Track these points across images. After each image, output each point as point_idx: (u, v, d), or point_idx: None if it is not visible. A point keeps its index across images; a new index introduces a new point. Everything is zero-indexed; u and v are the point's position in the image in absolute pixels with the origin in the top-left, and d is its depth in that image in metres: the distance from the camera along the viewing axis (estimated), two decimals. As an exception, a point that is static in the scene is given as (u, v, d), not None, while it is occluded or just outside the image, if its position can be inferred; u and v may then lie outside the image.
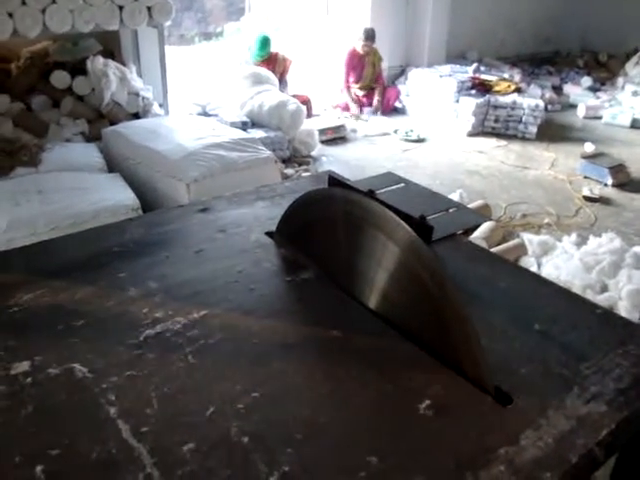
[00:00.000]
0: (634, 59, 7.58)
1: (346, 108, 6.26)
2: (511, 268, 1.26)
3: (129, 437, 0.76)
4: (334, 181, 1.39)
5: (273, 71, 5.62)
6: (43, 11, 3.76)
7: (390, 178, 1.53)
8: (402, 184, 1.47)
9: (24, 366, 0.88)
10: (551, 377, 0.89)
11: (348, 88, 6.27)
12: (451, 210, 1.40)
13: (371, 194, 1.29)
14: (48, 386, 0.85)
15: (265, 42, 5.71)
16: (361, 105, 6.30)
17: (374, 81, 6.34)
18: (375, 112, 6.20)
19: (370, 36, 6.08)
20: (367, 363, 0.91)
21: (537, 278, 1.22)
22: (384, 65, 6.50)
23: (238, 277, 1.12)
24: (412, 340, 0.94)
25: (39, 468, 0.72)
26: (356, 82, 6.31)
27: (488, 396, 0.84)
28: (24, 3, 3.68)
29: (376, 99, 6.23)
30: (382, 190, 1.37)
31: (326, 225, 1.09)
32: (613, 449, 0.80)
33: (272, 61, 5.80)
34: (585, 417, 0.81)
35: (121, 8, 4.07)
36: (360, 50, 6.15)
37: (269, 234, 1.27)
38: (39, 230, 2.79)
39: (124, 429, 0.77)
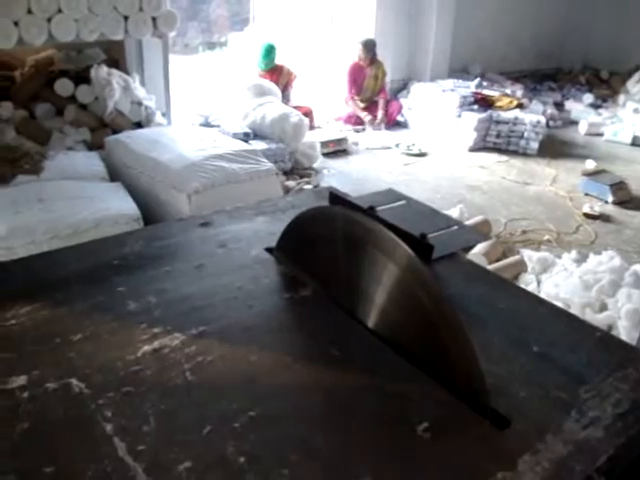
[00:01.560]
0: (635, 77, 7.62)
1: (349, 120, 6.27)
2: (510, 288, 1.26)
3: (125, 455, 0.75)
4: (335, 197, 1.40)
5: (276, 83, 5.65)
6: (49, 20, 3.79)
7: (391, 195, 1.53)
8: (403, 201, 1.48)
9: (21, 380, 0.88)
10: (549, 401, 0.88)
11: (353, 99, 6.29)
12: (452, 228, 1.40)
13: (371, 211, 1.30)
14: (45, 401, 0.84)
15: (270, 50, 5.74)
16: (361, 119, 6.32)
17: (375, 94, 6.37)
18: (379, 126, 6.21)
19: (369, 47, 6.10)
20: (365, 383, 0.91)
21: (536, 299, 1.22)
22: (387, 78, 6.53)
23: (237, 293, 1.12)
24: (411, 360, 0.94)
25: (33, 485, 0.71)
26: (356, 95, 6.33)
27: (486, 419, 0.83)
28: (30, 12, 3.71)
29: (380, 113, 6.25)
30: (383, 207, 1.37)
31: (326, 243, 1.09)
32: (612, 476, 0.80)
33: (276, 73, 5.83)
34: (583, 442, 0.81)
35: (126, 18, 4.10)
36: (362, 61, 6.18)
37: (269, 250, 1.27)
38: (38, 238, 2.80)
39: (120, 447, 0.76)
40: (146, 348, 0.96)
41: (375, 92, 6.37)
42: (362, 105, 6.34)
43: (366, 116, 6.21)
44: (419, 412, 0.84)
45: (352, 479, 0.74)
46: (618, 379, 0.94)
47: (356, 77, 6.26)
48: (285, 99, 5.78)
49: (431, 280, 0.90)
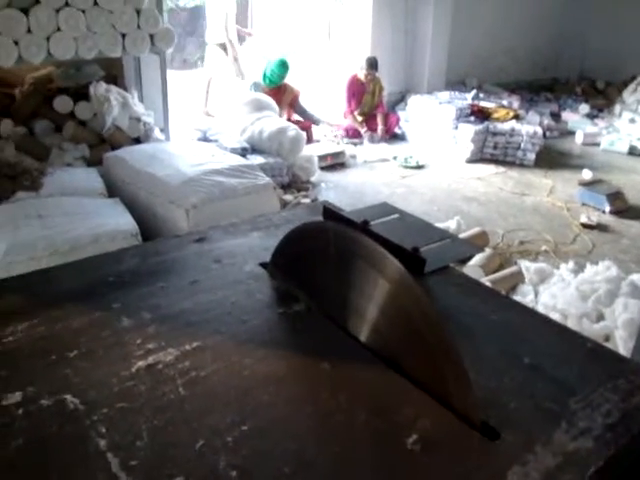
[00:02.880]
0: (631, 87, 7.67)
1: (347, 133, 6.31)
2: (503, 301, 1.27)
3: (118, 471, 0.76)
4: (329, 212, 1.41)
5: (281, 100, 5.69)
6: (48, 39, 3.83)
7: (385, 209, 1.54)
8: (397, 215, 1.49)
9: (16, 397, 0.89)
10: (540, 412, 0.89)
11: (352, 113, 6.33)
12: (445, 241, 1.41)
13: (365, 225, 1.31)
14: (39, 417, 0.85)
15: (285, 63, 5.79)
16: (359, 131, 6.37)
17: (373, 109, 6.42)
18: (379, 140, 6.25)
19: (373, 65, 6.18)
20: (357, 396, 0.92)
21: (528, 311, 1.23)
22: (384, 92, 6.58)
23: (231, 308, 1.13)
24: (402, 374, 0.94)
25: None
26: (355, 109, 6.38)
27: (476, 431, 0.84)
28: (29, 31, 3.75)
29: (380, 128, 6.29)
30: (376, 221, 1.39)
31: (318, 258, 1.10)
32: (601, 486, 0.81)
33: (281, 91, 5.88)
34: (573, 453, 0.81)
35: (124, 36, 4.14)
36: (362, 78, 6.24)
37: (263, 265, 1.28)
38: (38, 254, 2.81)
39: (113, 462, 0.77)
40: (140, 364, 0.96)
41: (373, 107, 6.43)
42: (360, 119, 6.39)
43: (365, 131, 6.26)
44: (409, 425, 0.85)
45: (343, 492, 0.74)
46: (609, 390, 0.95)
47: (355, 91, 6.32)
48: (300, 113, 5.84)
49: (422, 294, 0.91)
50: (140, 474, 0.76)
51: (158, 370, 0.95)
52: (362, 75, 6.26)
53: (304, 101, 6.28)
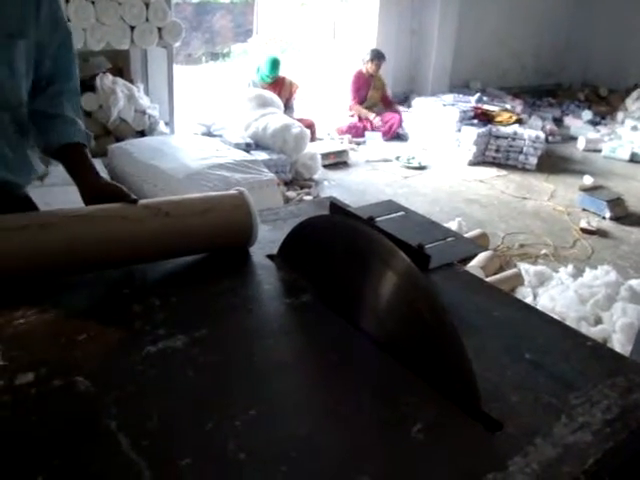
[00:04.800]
0: (634, 94, 7.70)
1: (349, 131, 6.33)
2: (505, 298, 1.29)
3: (129, 450, 0.78)
4: (335, 207, 1.43)
5: (279, 95, 5.71)
6: (56, 29, 3.83)
7: (390, 206, 1.56)
8: (402, 212, 1.51)
9: (28, 377, 0.90)
10: (540, 406, 0.91)
11: (360, 103, 6.37)
12: (449, 239, 1.43)
13: (371, 221, 1.33)
14: (51, 397, 0.87)
15: (275, 64, 5.81)
16: (363, 129, 6.39)
17: (377, 104, 6.46)
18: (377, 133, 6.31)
19: (380, 55, 6.22)
20: (362, 386, 0.94)
21: (530, 309, 1.25)
22: (388, 92, 6.61)
23: (239, 298, 1.15)
24: (407, 365, 0.96)
25: (40, 478, 0.74)
26: (359, 104, 6.41)
27: (478, 422, 0.86)
28: (38, 20, 3.76)
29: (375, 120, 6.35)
30: (382, 218, 1.41)
31: (326, 251, 1.12)
32: (599, 478, 0.83)
33: (279, 85, 5.90)
34: (572, 446, 0.83)
35: (132, 28, 4.15)
36: (370, 71, 6.27)
37: (270, 257, 1.30)
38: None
39: (124, 442, 0.79)
40: (150, 349, 0.98)
41: (377, 102, 6.46)
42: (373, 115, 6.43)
43: (375, 117, 6.30)
44: (414, 414, 0.87)
45: (351, 475, 0.76)
46: (608, 387, 0.97)
47: (360, 86, 6.35)
48: (289, 110, 5.84)
49: (428, 287, 0.93)
50: (150, 454, 0.78)
51: (168, 355, 0.97)
52: (366, 69, 6.29)
53: (300, 98, 6.29)
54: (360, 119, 6.41)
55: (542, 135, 5.94)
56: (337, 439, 0.83)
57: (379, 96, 6.47)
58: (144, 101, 4.79)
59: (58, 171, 3.61)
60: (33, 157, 1.40)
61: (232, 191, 1.30)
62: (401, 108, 6.76)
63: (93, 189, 1.24)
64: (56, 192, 3.28)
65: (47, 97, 1.32)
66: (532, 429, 0.85)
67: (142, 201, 1.20)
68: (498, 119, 6.16)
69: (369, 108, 6.44)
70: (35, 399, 0.86)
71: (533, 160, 5.81)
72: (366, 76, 6.33)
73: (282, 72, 6.00)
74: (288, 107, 5.85)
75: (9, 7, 1.16)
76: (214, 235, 1.24)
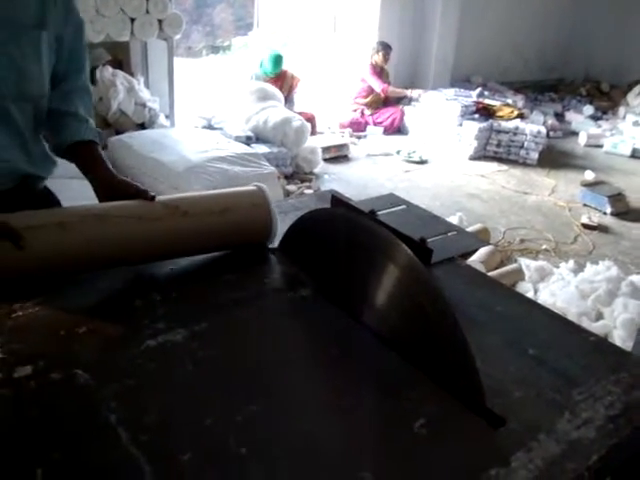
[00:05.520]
0: (636, 90, 7.68)
1: (351, 126, 6.32)
2: (508, 293, 1.28)
3: (128, 444, 0.77)
4: (337, 201, 1.42)
5: (281, 88, 5.69)
6: (55, 20, 3.81)
7: (392, 199, 1.55)
8: (404, 206, 1.50)
9: (27, 370, 0.90)
10: (543, 401, 0.90)
11: (365, 97, 6.38)
12: (451, 234, 1.42)
13: (372, 215, 1.32)
14: (50, 390, 0.86)
15: (278, 60, 5.79)
16: (366, 123, 6.38)
17: (382, 98, 6.46)
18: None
19: (384, 46, 6.25)
20: (364, 380, 0.93)
21: (533, 304, 1.24)
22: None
23: (239, 292, 1.14)
24: (409, 360, 0.96)
25: (39, 471, 0.73)
26: (365, 96, 6.40)
27: (481, 418, 0.85)
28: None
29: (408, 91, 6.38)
30: (384, 211, 1.40)
31: (327, 244, 1.11)
32: (602, 475, 0.82)
33: (280, 78, 5.88)
34: (575, 442, 0.83)
35: (132, 20, 4.13)
36: (379, 62, 6.28)
37: (271, 250, 1.29)
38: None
39: (124, 436, 0.78)
40: (149, 342, 0.97)
41: (382, 96, 6.47)
42: (369, 112, 6.41)
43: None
44: (416, 410, 0.86)
45: (351, 473, 0.76)
46: (611, 382, 0.96)
47: (378, 74, 6.38)
48: (289, 103, 5.82)
49: (431, 281, 0.92)
50: (150, 448, 0.77)
51: (167, 349, 0.96)
52: (375, 61, 6.30)
53: (301, 92, 6.27)
54: (363, 114, 6.40)
55: (543, 130, 5.92)
56: (338, 434, 0.82)
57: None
58: (144, 94, 4.77)
59: (58, 165, 3.60)
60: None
61: (251, 187, 1.28)
62: (402, 103, 6.76)
63: (108, 186, 1.22)
64: (55, 185, 3.26)
65: (60, 93, 1.31)
66: (535, 425, 0.85)
67: (159, 198, 1.17)
68: (499, 114, 6.14)
69: (375, 102, 6.43)
70: (34, 392, 0.86)
71: (534, 155, 5.80)
72: (377, 68, 6.34)
73: (284, 65, 5.97)
74: (289, 100, 5.83)
75: None
76: (233, 234, 1.23)
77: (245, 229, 1.23)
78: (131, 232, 1.12)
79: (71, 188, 3.29)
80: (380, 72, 6.36)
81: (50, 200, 1.40)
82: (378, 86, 6.34)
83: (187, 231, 1.16)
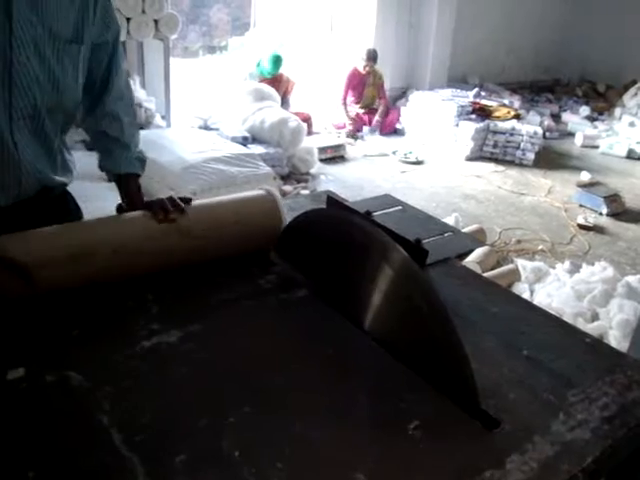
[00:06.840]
0: (632, 91, 7.69)
1: (344, 126, 6.31)
2: (503, 293, 1.28)
3: (122, 446, 0.77)
4: (332, 201, 1.42)
5: (276, 90, 5.68)
6: (51, 20, 3.80)
7: (387, 200, 1.55)
8: (399, 207, 1.50)
9: (19, 372, 0.89)
10: (538, 403, 0.90)
11: (344, 105, 6.33)
12: (447, 234, 1.42)
13: (368, 216, 1.32)
14: (43, 393, 0.86)
15: (278, 60, 5.78)
16: (362, 123, 6.36)
17: (375, 101, 6.43)
18: (373, 131, 6.27)
19: (372, 57, 6.18)
20: (359, 382, 0.93)
21: (528, 304, 1.24)
22: (386, 86, 6.57)
23: (234, 293, 1.14)
24: (404, 361, 0.95)
25: (31, 474, 0.72)
26: (357, 102, 6.39)
27: (476, 419, 0.85)
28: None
29: (375, 119, 6.30)
30: (379, 212, 1.40)
31: (323, 245, 1.11)
32: (597, 476, 0.82)
33: (276, 80, 5.87)
34: (570, 443, 0.82)
35: (128, 20, 4.12)
36: (362, 70, 6.24)
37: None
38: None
39: (117, 438, 0.78)
40: (144, 343, 0.97)
41: (375, 99, 6.43)
42: (363, 111, 6.39)
43: (350, 124, 6.25)
44: (411, 411, 0.86)
45: (344, 475, 0.75)
46: (606, 384, 0.96)
47: (355, 84, 6.31)
48: (285, 105, 5.81)
49: (426, 283, 0.92)
50: (143, 450, 0.77)
51: (162, 350, 0.96)
52: (362, 67, 6.26)
53: (296, 94, 6.25)
54: (357, 114, 6.38)
55: (540, 131, 5.92)
56: (333, 436, 0.82)
57: (376, 92, 6.44)
58: (140, 94, 4.75)
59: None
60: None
61: (262, 192, 1.30)
62: (398, 103, 6.75)
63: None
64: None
65: (103, 111, 1.32)
66: (530, 426, 0.85)
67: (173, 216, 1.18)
68: (496, 114, 6.14)
69: (366, 106, 6.41)
70: (27, 394, 0.85)
71: (531, 156, 5.80)
72: (363, 74, 6.30)
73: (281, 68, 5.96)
74: (284, 103, 5.82)
75: (71, 13, 1.16)
76: (243, 246, 1.26)
77: (256, 240, 1.27)
78: (142, 265, 1.16)
79: (84, 188, 3.28)
80: (363, 78, 6.28)
81: (68, 204, 1.44)
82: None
83: (199, 249, 1.20)
